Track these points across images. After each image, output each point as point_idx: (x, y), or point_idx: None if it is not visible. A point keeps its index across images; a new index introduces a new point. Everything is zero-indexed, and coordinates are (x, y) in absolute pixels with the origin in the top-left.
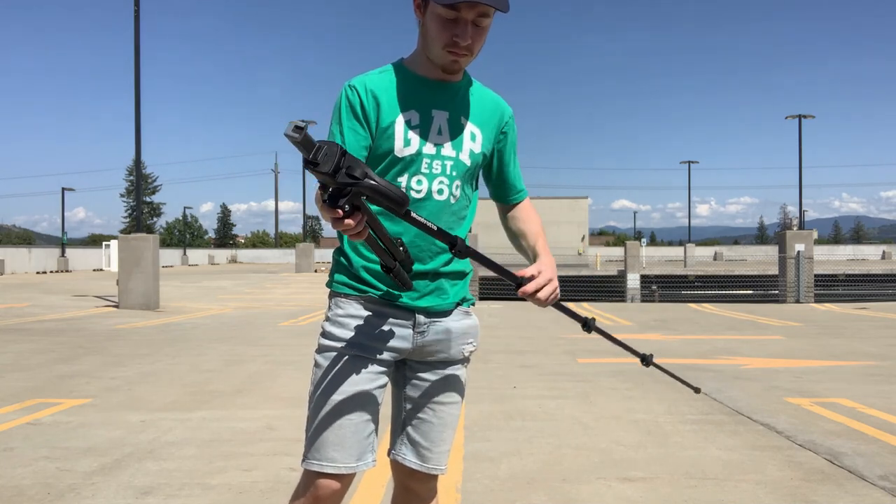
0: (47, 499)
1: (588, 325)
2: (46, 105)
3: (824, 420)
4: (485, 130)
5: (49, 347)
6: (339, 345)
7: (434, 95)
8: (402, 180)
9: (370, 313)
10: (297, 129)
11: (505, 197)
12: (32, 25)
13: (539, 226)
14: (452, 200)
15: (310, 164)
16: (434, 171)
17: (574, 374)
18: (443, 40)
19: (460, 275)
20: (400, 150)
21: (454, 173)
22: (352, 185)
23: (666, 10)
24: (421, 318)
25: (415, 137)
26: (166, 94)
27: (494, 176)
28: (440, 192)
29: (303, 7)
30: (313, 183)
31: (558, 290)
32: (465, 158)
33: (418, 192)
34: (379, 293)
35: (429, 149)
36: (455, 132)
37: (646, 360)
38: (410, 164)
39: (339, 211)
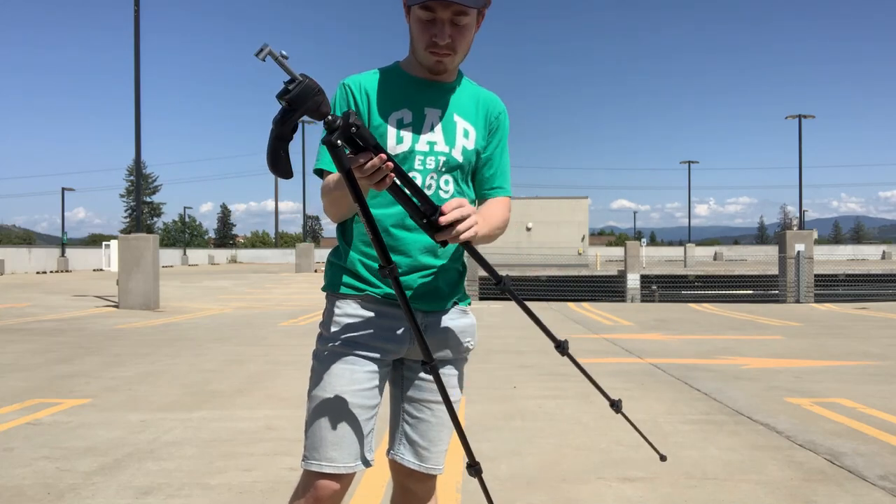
0: (47, 499)
1: (562, 347)
2: (46, 105)
3: (824, 420)
4: (478, 127)
5: (49, 347)
6: (335, 344)
7: (426, 94)
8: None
9: (367, 312)
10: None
11: (478, 189)
12: (32, 24)
13: (493, 215)
14: (444, 195)
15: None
16: (427, 166)
17: (574, 374)
18: (423, 41)
19: (454, 272)
20: (392, 147)
21: (444, 169)
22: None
23: (665, 10)
24: (417, 316)
25: (407, 135)
26: (166, 93)
27: (474, 168)
28: (429, 186)
29: (304, 6)
30: (312, 184)
31: (475, 228)
32: (458, 155)
33: None
34: (375, 291)
35: (421, 146)
36: (448, 129)
37: (615, 404)
38: (403, 161)
39: (367, 154)
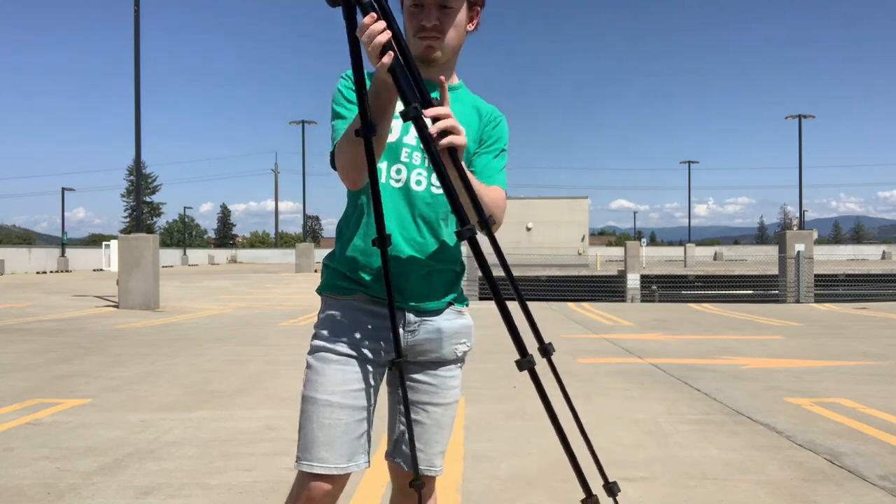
0: (47, 499)
1: (524, 364)
2: (46, 105)
3: (824, 420)
4: (470, 129)
5: (49, 347)
6: (329, 344)
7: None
8: (383, 167)
9: (360, 312)
10: None
11: None
12: (32, 24)
13: (486, 186)
14: (434, 191)
15: None
16: (414, 161)
17: (574, 374)
18: (413, 28)
19: (451, 273)
20: None
21: (431, 165)
22: None
23: (665, 9)
24: (411, 316)
25: (396, 125)
26: (166, 93)
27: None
28: (418, 182)
29: (305, 6)
30: (312, 183)
31: (454, 139)
32: None
33: (397, 181)
34: (367, 292)
35: (409, 139)
36: None
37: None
38: (391, 152)
39: (373, 16)
